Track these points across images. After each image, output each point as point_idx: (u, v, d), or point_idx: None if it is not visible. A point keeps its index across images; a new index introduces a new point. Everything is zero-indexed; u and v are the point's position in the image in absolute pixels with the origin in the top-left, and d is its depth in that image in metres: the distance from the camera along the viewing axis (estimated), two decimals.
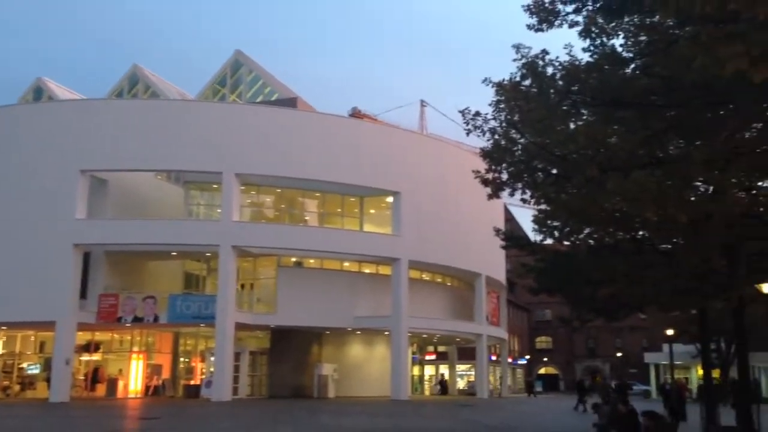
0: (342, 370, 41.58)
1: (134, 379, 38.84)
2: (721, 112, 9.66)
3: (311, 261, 40.53)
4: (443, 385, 55.37)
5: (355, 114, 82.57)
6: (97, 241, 34.94)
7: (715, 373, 31.15)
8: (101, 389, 38.15)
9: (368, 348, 44.47)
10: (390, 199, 40.51)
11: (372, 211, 42.12)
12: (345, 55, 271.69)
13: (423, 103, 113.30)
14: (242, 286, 38.23)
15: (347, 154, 38.20)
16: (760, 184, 12.88)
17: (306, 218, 41.29)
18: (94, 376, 38.41)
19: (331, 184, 38.22)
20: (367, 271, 41.72)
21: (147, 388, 38.78)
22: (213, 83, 52.27)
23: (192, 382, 39.68)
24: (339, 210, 41.24)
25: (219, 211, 37.07)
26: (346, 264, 41.04)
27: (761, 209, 14.46)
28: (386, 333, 39.91)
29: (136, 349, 39.63)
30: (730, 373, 35.34)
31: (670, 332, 35.47)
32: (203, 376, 38.54)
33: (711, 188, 12.32)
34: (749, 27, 5.90)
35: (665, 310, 27.10)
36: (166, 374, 40.72)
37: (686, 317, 32.46)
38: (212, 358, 35.59)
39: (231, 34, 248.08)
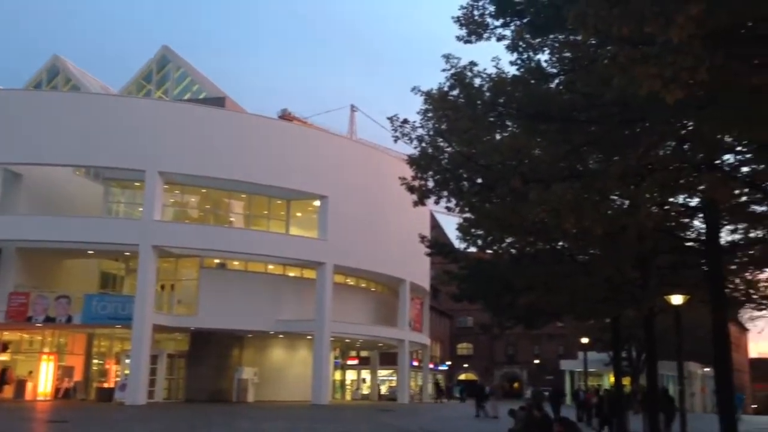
0: (263, 374, 41.08)
1: (44, 380, 37.29)
2: (637, 130, 10.05)
3: (235, 263, 39.97)
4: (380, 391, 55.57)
5: (285, 116, 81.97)
6: (9, 237, 33.50)
7: (626, 381, 32.30)
8: (9, 391, 36.54)
9: (290, 352, 44.13)
10: (317, 202, 40.38)
11: (299, 214, 41.90)
12: (277, 56, 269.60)
13: (353, 108, 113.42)
14: (162, 287, 37.30)
15: (275, 156, 37.87)
16: (671, 199, 13.45)
17: (231, 219, 40.70)
18: (2, 377, 36.77)
19: (258, 186, 37.82)
20: (291, 274, 41.44)
21: (57, 390, 37.36)
22: (138, 78, 50.84)
23: (105, 385, 38.51)
24: (265, 212, 40.84)
25: (140, 209, 36.11)
26: (271, 267, 40.66)
27: (672, 224, 15.17)
28: (309, 337, 39.72)
29: (46, 350, 38.10)
30: (640, 380, 36.78)
31: (585, 340, 36.67)
32: (117, 379, 37.43)
33: (626, 202, 12.80)
34: (663, 50, 6.18)
35: (581, 318, 28.01)
36: (78, 376, 39.34)
37: (601, 326, 33.67)
38: (127, 361, 34.61)
39: (158, 30, 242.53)
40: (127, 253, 36.83)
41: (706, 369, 56.51)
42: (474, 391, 36.35)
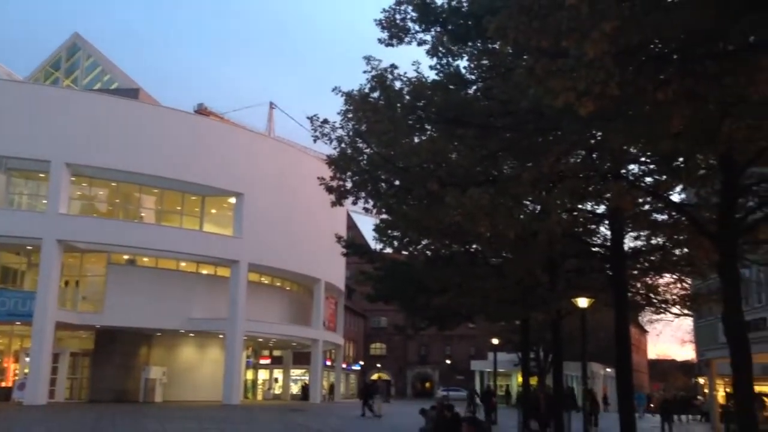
0: (172, 374, 40.13)
1: None
2: (550, 138, 10.39)
3: (145, 259, 38.89)
4: (305, 391, 54.90)
5: (201, 111, 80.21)
6: None
7: (533, 381, 33.24)
8: None
9: (201, 351, 43.27)
10: (233, 199, 39.79)
11: (213, 211, 41.16)
12: (194, 50, 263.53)
13: (272, 106, 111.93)
14: (66, 282, 35.92)
15: (190, 151, 37.08)
16: (580, 206, 13.97)
17: (142, 214, 39.57)
18: None
19: (171, 181, 36.95)
20: (204, 272, 40.67)
21: None
22: (46, 66, 48.77)
23: (3, 384, 36.70)
24: (178, 208, 39.89)
25: (45, 201, 34.65)
26: (183, 264, 39.77)
27: (580, 230, 15.75)
28: (221, 336, 39.07)
29: None
30: (546, 381, 37.97)
31: (495, 341, 37.53)
32: (16, 378, 35.77)
33: (538, 208, 13.21)
34: (577, 64, 6.45)
35: (493, 320, 28.68)
36: None
37: (511, 328, 34.57)
38: (27, 359, 33.15)
39: (70, 17, 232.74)
40: (30, 247, 35.25)
41: (608, 369, 58.82)
42: (368, 390, 35.77)
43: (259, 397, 55.80)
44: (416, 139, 12.97)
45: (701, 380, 44.95)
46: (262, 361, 58.45)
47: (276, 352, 57.83)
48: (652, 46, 7.24)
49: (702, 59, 7.02)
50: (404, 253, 21.42)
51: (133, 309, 35.70)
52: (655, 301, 20.40)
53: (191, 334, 40.91)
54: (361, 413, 33.07)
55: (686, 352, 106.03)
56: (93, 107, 35.75)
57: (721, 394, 32.14)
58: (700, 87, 7.04)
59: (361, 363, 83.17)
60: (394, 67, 12.45)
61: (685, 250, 15.51)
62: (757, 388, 16.18)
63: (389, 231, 18.34)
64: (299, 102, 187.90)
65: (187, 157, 36.82)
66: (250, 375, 54.54)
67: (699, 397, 45.03)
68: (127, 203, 39.29)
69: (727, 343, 9.97)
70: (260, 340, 46.47)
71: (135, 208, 39.54)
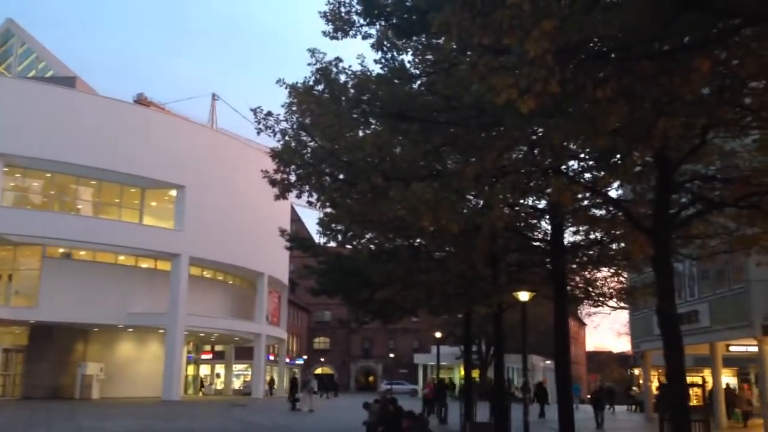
0: (110, 370, 39.23)
1: None
2: (493, 134, 10.52)
3: (82, 252, 37.90)
4: (270, 386, 54.52)
5: (141, 101, 78.27)
6: None
7: (475, 373, 33.70)
8: None
9: (140, 346, 42.42)
10: (173, 192, 39.08)
11: (153, 203, 40.38)
12: (134, 38, 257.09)
13: (215, 97, 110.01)
14: None
15: (129, 142, 36.26)
16: (521, 201, 14.19)
17: (78, 207, 38.51)
18: None
19: (110, 173, 36.09)
20: (144, 265, 39.86)
21: None
22: None
23: None
24: (117, 200, 38.99)
25: None
26: (122, 258, 38.90)
27: (521, 224, 16.02)
28: (161, 331, 38.38)
29: None
30: (488, 372, 38.59)
31: (438, 335, 37.88)
32: None
33: (481, 202, 13.35)
34: (519, 61, 6.53)
35: (436, 313, 28.91)
36: None
37: (453, 321, 34.96)
38: None
39: (4, 3, 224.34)
40: None
41: (547, 361, 60.07)
42: (293, 385, 35.55)
43: (201, 392, 55.08)
44: (360, 133, 12.95)
45: (636, 371, 46.26)
46: (203, 357, 57.74)
47: (218, 347, 57.20)
48: (591, 44, 7.39)
49: (639, 59, 7.20)
50: (348, 246, 21.37)
51: (69, 304, 34.81)
52: (593, 294, 20.87)
53: (130, 329, 40.08)
54: (291, 407, 32.87)
55: (622, 344, 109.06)
56: (27, 95, 34.64)
57: (655, 385, 33.15)
58: (637, 85, 7.22)
59: (305, 357, 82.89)
60: (338, 60, 12.40)
61: (622, 244, 15.90)
62: (689, 379, 16.75)
63: (333, 224, 18.26)
64: (243, 94, 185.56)
65: (127, 148, 36.00)
66: (191, 370, 53.79)
67: (634, 388, 46.33)
68: (63, 195, 38.17)
69: (661, 335, 10.27)
70: (202, 335, 45.85)
71: (71, 200, 38.46)
